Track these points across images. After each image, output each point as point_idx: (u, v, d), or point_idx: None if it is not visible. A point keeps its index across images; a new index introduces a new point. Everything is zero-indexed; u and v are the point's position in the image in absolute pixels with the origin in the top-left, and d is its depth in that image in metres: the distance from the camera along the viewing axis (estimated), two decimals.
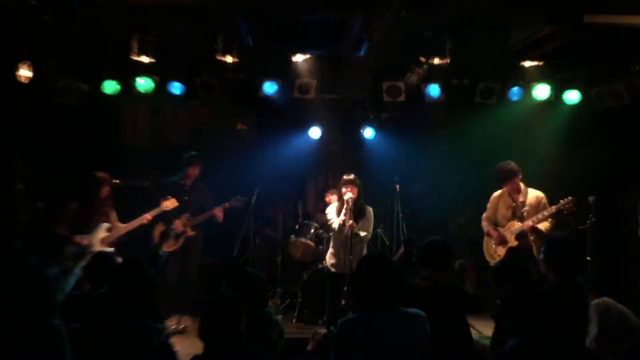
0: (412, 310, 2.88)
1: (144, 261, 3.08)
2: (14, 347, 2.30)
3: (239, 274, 3.51)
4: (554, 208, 5.15)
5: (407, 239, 4.38)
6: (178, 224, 6.01)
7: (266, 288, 3.65)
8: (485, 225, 5.67)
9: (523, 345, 2.69)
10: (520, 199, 5.40)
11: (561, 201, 5.13)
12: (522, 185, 5.45)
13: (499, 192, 5.62)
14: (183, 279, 6.19)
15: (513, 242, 5.36)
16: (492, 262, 5.53)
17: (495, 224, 5.59)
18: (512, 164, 5.41)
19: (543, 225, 5.21)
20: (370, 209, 5.43)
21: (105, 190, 5.53)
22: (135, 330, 2.55)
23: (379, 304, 2.80)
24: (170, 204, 5.77)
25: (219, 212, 6.10)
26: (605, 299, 3.76)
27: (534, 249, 5.21)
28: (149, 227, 5.93)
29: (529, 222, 5.21)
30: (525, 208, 5.35)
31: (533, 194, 5.38)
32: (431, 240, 3.77)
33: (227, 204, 6.17)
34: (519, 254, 5.19)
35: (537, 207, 5.29)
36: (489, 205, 5.69)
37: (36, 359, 2.31)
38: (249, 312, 3.29)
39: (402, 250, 4.24)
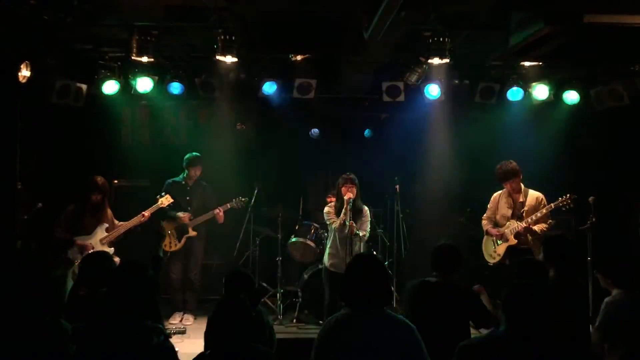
0: (400, 316, 2.89)
1: (144, 262, 3.08)
2: (19, 344, 2.31)
3: (229, 274, 3.55)
4: (552, 205, 5.23)
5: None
6: (183, 217, 6.07)
7: (256, 287, 3.69)
8: (485, 224, 5.72)
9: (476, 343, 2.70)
10: (520, 199, 5.47)
11: (559, 199, 5.20)
12: (522, 185, 5.49)
13: (499, 192, 5.67)
14: (186, 278, 6.25)
15: (512, 241, 5.42)
16: (491, 263, 5.64)
17: (495, 224, 5.63)
18: (513, 164, 5.45)
19: (538, 227, 5.27)
20: (366, 208, 5.47)
21: (99, 196, 5.56)
22: (135, 331, 2.55)
23: (364, 300, 2.81)
24: (165, 200, 5.88)
25: (219, 213, 6.14)
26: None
27: (534, 250, 5.22)
28: (148, 228, 5.97)
29: (524, 224, 5.28)
30: (524, 208, 5.42)
31: (533, 195, 5.45)
32: (440, 245, 3.81)
33: (228, 205, 6.21)
34: (518, 254, 5.20)
35: (537, 208, 5.35)
36: (489, 205, 5.73)
37: (40, 356, 2.32)
38: None
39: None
